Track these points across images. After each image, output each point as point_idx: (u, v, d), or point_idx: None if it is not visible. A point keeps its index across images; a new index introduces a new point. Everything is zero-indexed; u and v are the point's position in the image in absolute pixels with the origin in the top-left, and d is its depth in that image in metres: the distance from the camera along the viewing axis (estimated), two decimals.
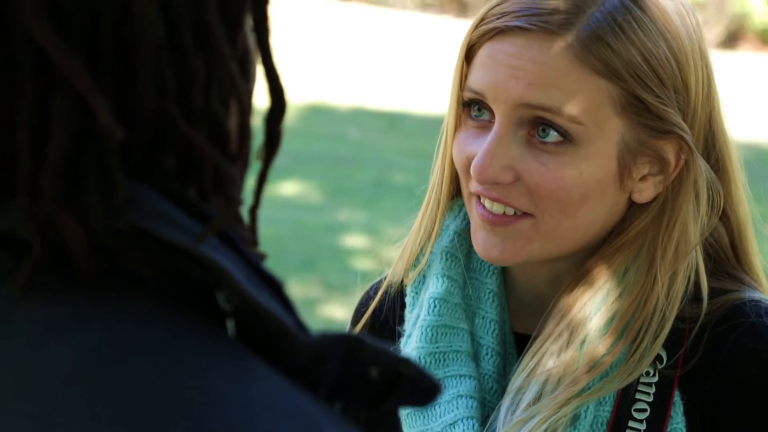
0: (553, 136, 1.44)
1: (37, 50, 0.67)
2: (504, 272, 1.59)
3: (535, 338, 1.52)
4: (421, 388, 0.76)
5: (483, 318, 1.57)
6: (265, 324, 0.70)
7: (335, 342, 0.72)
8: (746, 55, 16.47)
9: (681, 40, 1.46)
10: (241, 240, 0.73)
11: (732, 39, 17.08)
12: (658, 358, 1.49)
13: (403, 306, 1.64)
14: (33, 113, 0.68)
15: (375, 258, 6.42)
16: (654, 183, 1.49)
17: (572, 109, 1.43)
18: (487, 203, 1.48)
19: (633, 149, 1.46)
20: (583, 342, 1.48)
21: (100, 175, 0.68)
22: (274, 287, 0.73)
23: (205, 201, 0.73)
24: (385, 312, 1.67)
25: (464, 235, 1.59)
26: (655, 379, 1.49)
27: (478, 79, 1.47)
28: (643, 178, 1.49)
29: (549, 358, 1.49)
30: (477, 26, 1.48)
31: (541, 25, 1.43)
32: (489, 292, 1.58)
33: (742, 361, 1.47)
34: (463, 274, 1.59)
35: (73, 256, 0.69)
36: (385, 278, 1.67)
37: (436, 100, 11.04)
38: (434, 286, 1.57)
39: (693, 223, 1.49)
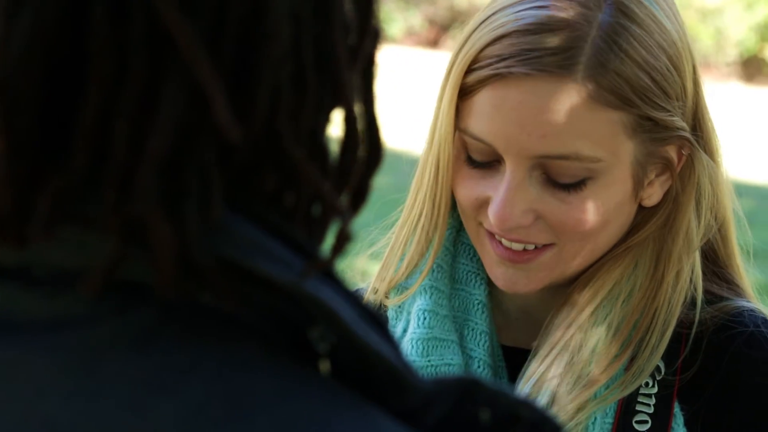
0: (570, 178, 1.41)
1: (157, 32, 0.61)
2: (490, 283, 1.54)
3: (540, 345, 1.49)
4: (539, 431, 0.69)
5: (473, 330, 1.54)
6: (372, 366, 0.64)
7: (451, 387, 0.67)
8: None
9: (675, 45, 1.42)
10: (341, 274, 0.67)
11: None
12: (657, 369, 1.48)
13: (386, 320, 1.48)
14: (138, 100, 0.61)
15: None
16: (660, 183, 1.48)
17: (590, 148, 1.39)
18: (504, 241, 1.44)
19: (643, 163, 1.44)
20: (595, 343, 1.46)
21: (201, 180, 0.61)
22: (379, 325, 0.67)
23: (303, 230, 0.66)
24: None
25: (448, 245, 1.55)
26: (655, 390, 1.47)
27: (483, 128, 1.40)
28: (650, 183, 1.47)
29: (560, 363, 1.46)
30: (470, 68, 1.40)
31: (545, 68, 1.36)
32: (477, 303, 1.54)
33: (742, 371, 1.46)
34: (449, 285, 1.55)
35: (158, 271, 0.61)
36: (360, 291, 1.62)
37: None
38: (422, 299, 1.54)
39: (696, 219, 1.48)
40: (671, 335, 1.47)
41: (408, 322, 1.56)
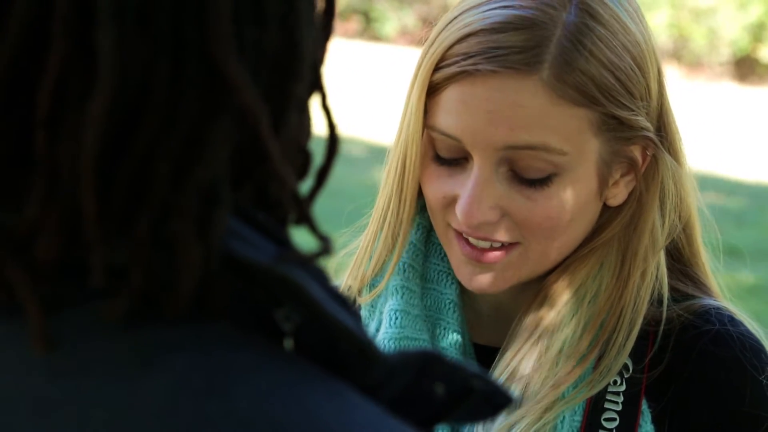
0: (536, 171, 1.43)
1: (211, 75, 0.66)
2: (461, 283, 1.56)
3: (509, 343, 1.51)
4: (492, 404, 0.74)
5: (444, 329, 1.56)
6: (337, 342, 0.68)
7: (412, 360, 0.71)
8: None
9: (639, 46, 1.45)
10: (309, 258, 0.71)
11: None
12: (625, 367, 1.49)
13: None
14: (186, 138, 0.66)
15: None
16: (625, 183, 1.50)
17: (556, 141, 1.41)
18: (471, 240, 1.46)
19: (608, 162, 1.46)
20: (563, 342, 1.48)
21: (225, 196, 0.67)
22: (346, 305, 0.71)
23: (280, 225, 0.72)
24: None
25: (419, 245, 1.57)
26: (623, 388, 1.49)
27: (451, 123, 1.43)
28: (615, 183, 1.49)
29: (528, 362, 1.48)
30: (438, 66, 1.43)
31: (511, 65, 1.39)
32: (449, 302, 1.56)
33: (709, 369, 1.48)
34: (421, 284, 1.57)
35: (178, 283, 0.65)
36: None
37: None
38: (394, 298, 1.56)
39: (660, 219, 1.50)
40: (639, 333, 1.48)
41: (380, 322, 1.57)
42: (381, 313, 1.58)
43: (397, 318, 1.54)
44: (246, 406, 0.64)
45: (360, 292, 1.60)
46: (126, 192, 0.66)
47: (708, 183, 11.16)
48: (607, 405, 1.48)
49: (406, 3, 17.50)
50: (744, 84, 16.82)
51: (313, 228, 0.72)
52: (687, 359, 1.48)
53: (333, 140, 0.76)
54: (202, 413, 0.63)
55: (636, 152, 1.48)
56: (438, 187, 1.47)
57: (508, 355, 1.50)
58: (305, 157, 0.75)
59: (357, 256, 1.60)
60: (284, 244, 0.71)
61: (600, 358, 1.48)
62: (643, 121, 1.45)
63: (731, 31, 17.06)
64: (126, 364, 0.65)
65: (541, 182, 1.42)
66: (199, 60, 0.66)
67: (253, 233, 0.70)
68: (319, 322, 0.68)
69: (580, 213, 1.46)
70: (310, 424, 0.64)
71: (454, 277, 1.56)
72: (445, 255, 1.55)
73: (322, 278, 0.71)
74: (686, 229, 1.55)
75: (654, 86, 1.47)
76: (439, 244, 1.56)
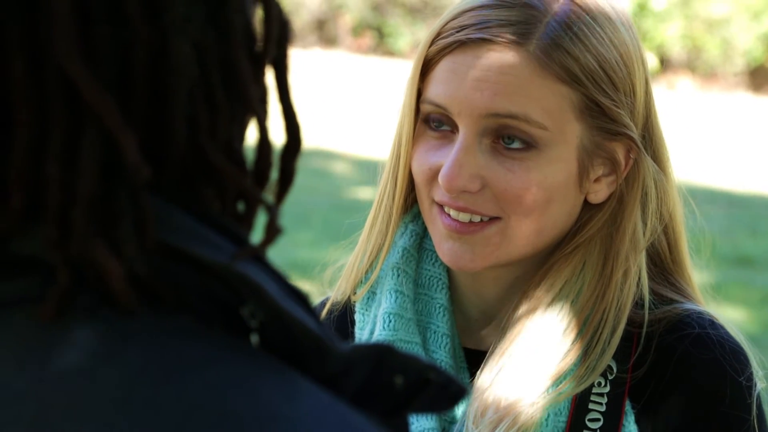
0: (517, 143, 1.48)
1: (69, 84, 0.68)
2: (451, 288, 1.62)
3: (498, 343, 1.54)
4: (446, 395, 0.77)
5: (434, 333, 1.60)
6: (296, 337, 0.71)
7: (368, 352, 0.73)
8: None
9: (627, 46, 1.52)
10: (266, 256, 0.75)
11: None
12: (609, 368, 1.52)
13: (352, 323, 1.66)
14: (63, 146, 0.68)
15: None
16: (607, 183, 1.54)
17: (537, 114, 1.47)
18: (452, 212, 1.51)
19: (590, 152, 1.51)
20: (549, 340, 1.51)
21: (132, 208, 0.69)
22: (302, 300, 0.74)
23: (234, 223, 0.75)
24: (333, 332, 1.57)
25: (412, 251, 1.62)
26: (607, 389, 1.52)
27: (440, 92, 1.50)
28: (597, 180, 1.53)
29: (516, 360, 1.51)
30: (433, 41, 1.52)
31: (501, 36, 1.47)
32: (439, 307, 1.60)
33: (690, 371, 1.51)
34: (413, 289, 1.61)
35: (112, 289, 0.69)
36: (327, 299, 1.70)
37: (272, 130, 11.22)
38: (387, 302, 1.60)
39: (642, 222, 1.54)
40: (623, 334, 1.52)
41: (374, 324, 1.61)
42: (375, 316, 1.62)
43: (390, 321, 1.59)
44: (197, 396, 0.66)
45: (354, 290, 1.64)
46: (26, 196, 0.70)
47: (722, 193, 11.15)
48: (591, 406, 1.52)
49: (419, 18, 17.53)
50: (758, 94, 16.79)
51: (272, 221, 0.75)
52: (668, 361, 1.51)
53: (292, 139, 0.77)
54: (156, 403, 0.66)
55: (619, 151, 1.53)
56: (425, 160, 1.53)
57: (497, 353, 1.53)
58: (264, 163, 0.77)
59: (354, 255, 1.65)
60: (243, 242, 0.73)
61: (586, 355, 1.51)
62: (626, 117, 1.51)
63: (745, 41, 17.04)
64: (86, 356, 0.68)
65: (521, 154, 1.48)
66: (56, 68, 0.68)
67: (212, 233, 0.72)
68: (276, 317, 0.71)
69: (560, 195, 1.50)
70: (258, 412, 0.66)
71: (445, 282, 1.61)
72: (437, 260, 1.61)
73: (278, 276, 0.74)
74: (668, 235, 1.59)
75: (640, 91, 1.53)
76: (431, 250, 1.61)
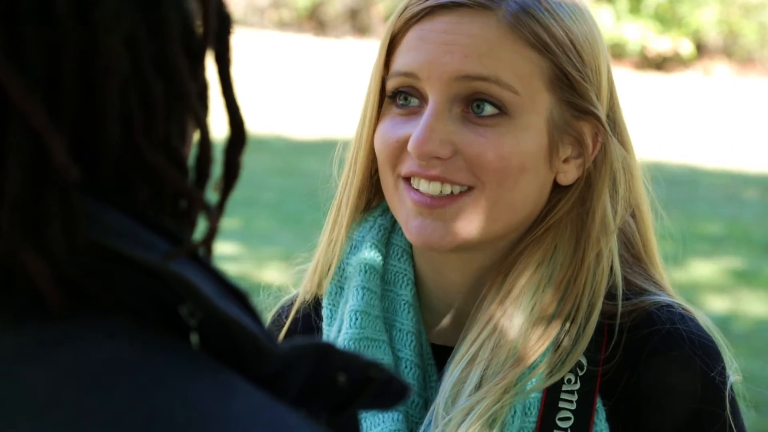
0: (488, 110, 1.47)
1: None
2: (418, 284, 1.59)
3: (468, 330, 1.52)
4: (390, 392, 0.77)
5: (400, 330, 1.57)
6: (234, 336, 0.70)
7: (306, 351, 0.73)
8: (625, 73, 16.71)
9: (591, 29, 1.52)
10: (206, 256, 0.74)
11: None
12: (579, 365, 1.50)
13: (320, 319, 1.63)
14: None
15: (246, 278, 6.48)
16: (575, 165, 1.53)
17: (508, 77, 1.46)
18: (422, 185, 1.48)
19: (559, 127, 1.50)
20: (521, 325, 1.49)
21: (61, 209, 0.68)
22: (241, 299, 0.73)
23: (179, 225, 0.74)
24: (301, 328, 1.66)
25: (380, 246, 1.59)
26: (577, 386, 1.50)
27: (408, 60, 1.49)
28: (566, 160, 1.52)
29: (486, 347, 1.49)
30: (401, 14, 1.51)
31: (471, 1, 1.46)
32: (404, 304, 1.58)
33: (660, 368, 1.49)
34: (381, 286, 1.59)
35: (40, 290, 0.68)
36: (296, 296, 1.67)
37: (303, 120, 11.59)
38: (354, 299, 1.57)
39: (612, 205, 1.53)
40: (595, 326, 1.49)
41: (342, 322, 1.59)
42: (343, 313, 1.60)
43: (357, 318, 1.56)
44: (125, 399, 0.66)
45: (321, 284, 1.62)
46: None
47: (757, 178, 11.05)
48: (561, 404, 1.49)
49: None
50: None
51: (212, 220, 0.74)
52: (638, 359, 1.49)
53: (237, 133, 0.76)
54: (82, 407, 0.65)
55: (586, 132, 1.51)
56: (392, 133, 1.50)
57: (467, 341, 1.51)
58: (205, 160, 0.76)
59: (319, 250, 1.63)
60: (180, 242, 0.73)
61: (558, 340, 1.49)
62: (593, 95, 1.50)
63: None
64: (14, 359, 0.68)
65: (492, 121, 1.46)
66: None
67: (147, 232, 0.71)
68: (213, 317, 0.70)
69: (532, 165, 1.48)
70: (188, 413, 0.66)
71: (410, 278, 1.58)
72: (403, 255, 1.58)
73: (216, 275, 0.73)
74: (637, 223, 1.58)
75: (605, 73, 1.52)
76: (398, 245, 1.59)
